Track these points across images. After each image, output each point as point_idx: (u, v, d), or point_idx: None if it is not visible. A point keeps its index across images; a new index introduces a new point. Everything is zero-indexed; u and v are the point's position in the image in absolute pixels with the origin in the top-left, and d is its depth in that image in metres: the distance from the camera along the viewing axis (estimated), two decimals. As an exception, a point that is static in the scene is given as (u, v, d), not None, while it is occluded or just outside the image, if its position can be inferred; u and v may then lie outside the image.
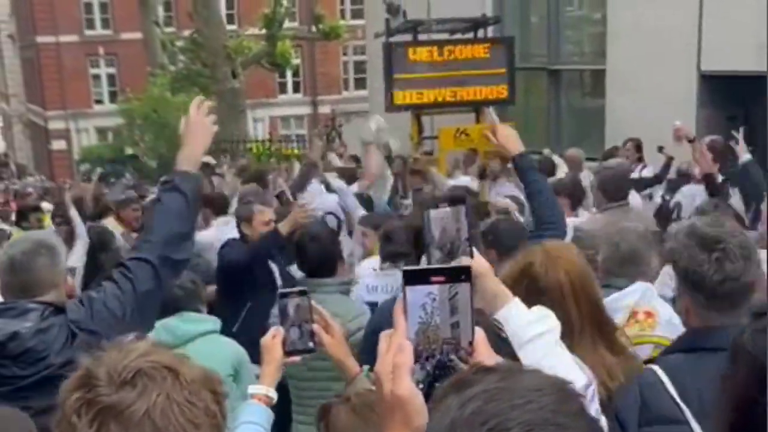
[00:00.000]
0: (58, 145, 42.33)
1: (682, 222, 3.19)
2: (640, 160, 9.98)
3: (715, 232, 2.71)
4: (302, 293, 2.60)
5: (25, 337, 2.99)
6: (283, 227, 5.68)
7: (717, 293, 2.67)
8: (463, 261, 1.98)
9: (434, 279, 1.56)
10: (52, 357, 3.02)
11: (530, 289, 2.71)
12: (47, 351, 3.01)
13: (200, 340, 4.60)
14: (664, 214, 7.54)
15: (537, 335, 2.13)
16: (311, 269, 4.57)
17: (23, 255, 3.19)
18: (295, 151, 26.78)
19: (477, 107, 12.75)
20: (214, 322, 4.76)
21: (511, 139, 4.12)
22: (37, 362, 3.00)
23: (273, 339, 2.64)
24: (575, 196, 6.97)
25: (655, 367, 2.77)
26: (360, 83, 42.05)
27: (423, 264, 2.10)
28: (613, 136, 11.71)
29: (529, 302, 2.25)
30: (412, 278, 1.57)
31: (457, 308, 1.56)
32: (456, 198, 2.09)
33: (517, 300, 2.19)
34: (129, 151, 33.87)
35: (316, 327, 2.61)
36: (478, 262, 2.09)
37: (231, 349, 4.74)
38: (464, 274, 1.57)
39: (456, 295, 1.56)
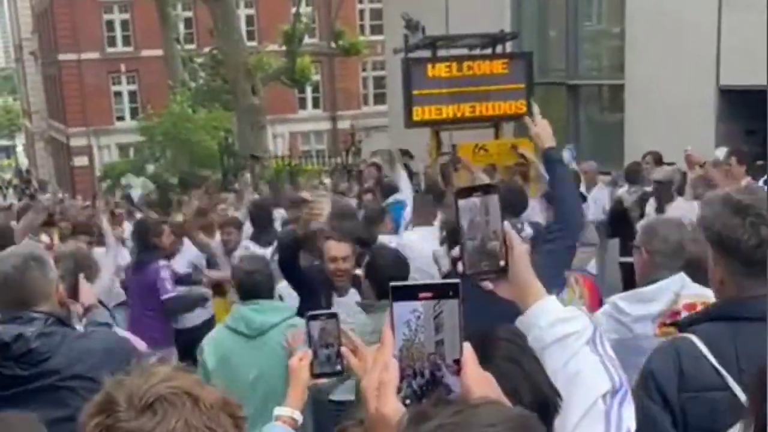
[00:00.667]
0: (79, 161, 42.62)
1: (716, 192, 3.18)
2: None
3: (749, 200, 2.71)
4: (331, 316, 2.59)
5: (29, 339, 3.09)
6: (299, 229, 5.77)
7: (753, 258, 2.66)
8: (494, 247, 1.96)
9: (422, 295, 1.55)
10: (54, 360, 3.12)
11: None
12: (49, 354, 3.13)
13: (275, 330, 4.76)
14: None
15: (564, 335, 2.06)
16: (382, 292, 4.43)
17: (15, 270, 3.25)
18: (315, 167, 26.88)
19: (496, 123, 12.79)
20: (291, 309, 4.99)
21: (546, 131, 4.25)
22: (39, 363, 3.10)
23: (300, 361, 2.64)
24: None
25: (692, 336, 2.76)
26: (379, 98, 42.15)
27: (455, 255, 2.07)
28: (631, 150, 11.72)
29: None
30: (399, 294, 1.56)
31: (442, 325, 1.55)
32: (488, 187, 2.02)
33: (552, 298, 2.12)
34: (150, 167, 34.05)
35: (344, 350, 2.59)
36: (519, 252, 2.03)
37: None
38: (452, 290, 1.55)
39: (441, 312, 1.54)
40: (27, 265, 3.27)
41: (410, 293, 1.56)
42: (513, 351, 1.94)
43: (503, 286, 2.05)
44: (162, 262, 7.85)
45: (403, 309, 1.55)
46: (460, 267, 2.00)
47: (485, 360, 1.63)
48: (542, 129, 4.24)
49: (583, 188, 9.51)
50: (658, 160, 10.09)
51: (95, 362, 3.15)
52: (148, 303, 7.63)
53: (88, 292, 4.07)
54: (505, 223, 2.00)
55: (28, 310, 3.20)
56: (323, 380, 2.66)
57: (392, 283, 1.59)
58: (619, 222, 9.22)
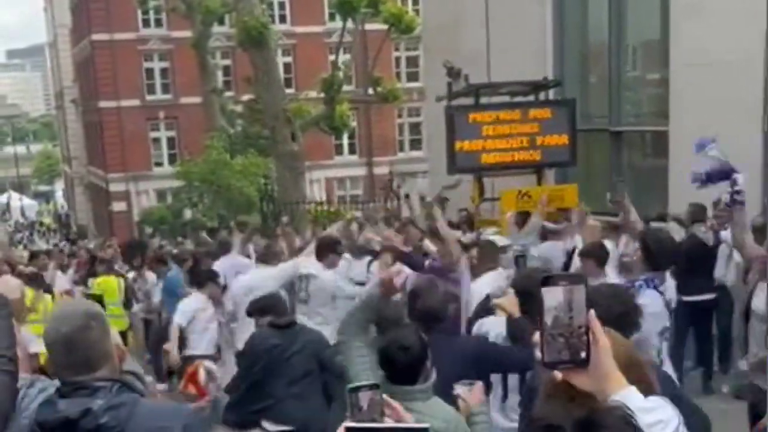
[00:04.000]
0: (118, 206, 43.09)
1: None
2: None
3: None
4: (373, 387, 2.50)
5: (98, 414, 2.92)
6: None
7: None
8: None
9: None
10: None
11: None
12: (119, 428, 2.95)
13: None
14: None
15: (649, 425, 2.04)
16: (395, 378, 4.34)
17: (78, 331, 3.03)
18: (352, 212, 26.90)
19: (538, 169, 12.78)
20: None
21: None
22: None
23: None
24: (600, 257, 7.88)
25: None
26: (415, 144, 42.43)
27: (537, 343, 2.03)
28: (676, 196, 11.64)
29: None
30: None
31: None
32: (575, 275, 1.99)
33: (633, 388, 2.09)
34: (188, 212, 34.32)
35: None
36: (601, 341, 2.01)
37: None
38: None
39: None
40: (88, 324, 3.07)
41: None
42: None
43: (580, 377, 2.02)
44: None
45: None
46: (538, 354, 1.99)
47: None
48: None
49: None
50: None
51: None
52: None
53: None
54: (591, 313, 1.98)
55: (89, 373, 3.01)
56: None
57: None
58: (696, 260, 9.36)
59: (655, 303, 5.62)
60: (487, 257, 8.15)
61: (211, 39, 34.54)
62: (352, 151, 44.84)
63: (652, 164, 14.21)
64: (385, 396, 2.52)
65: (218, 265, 11.36)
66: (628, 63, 14.51)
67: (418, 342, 4.30)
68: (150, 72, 42.92)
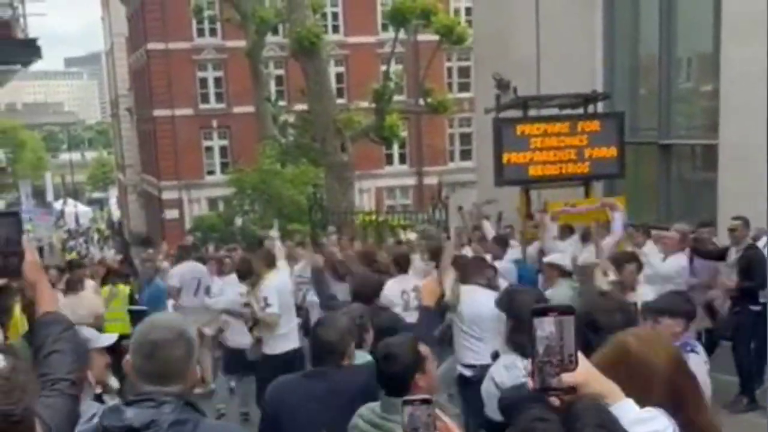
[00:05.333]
0: (170, 214, 43.51)
1: None
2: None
3: None
4: (425, 402, 2.52)
5: (162, 426, 2.95)
6: None
7: None
8: (563, 378, 2.01)
9: None
10: None
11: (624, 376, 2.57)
12: None
13: None
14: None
15: None
16: (388, 389, 4.21)
17: (165, 343, 3.10)
18: (401, 222, 27.00)
19: (586, 182, 12.79)
20: (363, 357, 4.92)
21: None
22: None
23: None
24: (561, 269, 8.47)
25: None
26: (465, 154, 42.42)
27: (527, 367, 2.12)
28: (724, 211, 11.60)
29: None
30: None
31: None
32: (565, 307, 2.05)
33: (629, 400, 2.19)
34: (239, 220, 34.64)
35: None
36: (581, 373, 2.08)
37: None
38: None
39: None
40: (178, 341, 3.13)
41: None
42: None
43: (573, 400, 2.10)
44: None
45: None
46: (530, 383, 2.08)
47: None
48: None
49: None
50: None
51: None
52: None
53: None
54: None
55: (162, 386, 3.06)
56: None
57: None
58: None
59: (700, 370, 4.73)
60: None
61: (265, 49, 34.89)
62: (402, 161, 44.93)
63: (701, 177, 14.14)
64: (437, 410, 2.54)
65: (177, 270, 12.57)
66: (678, 76, 14.45)
67: (409, 352, 4.15)
68: (204, 81, 43.40)
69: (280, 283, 9.53)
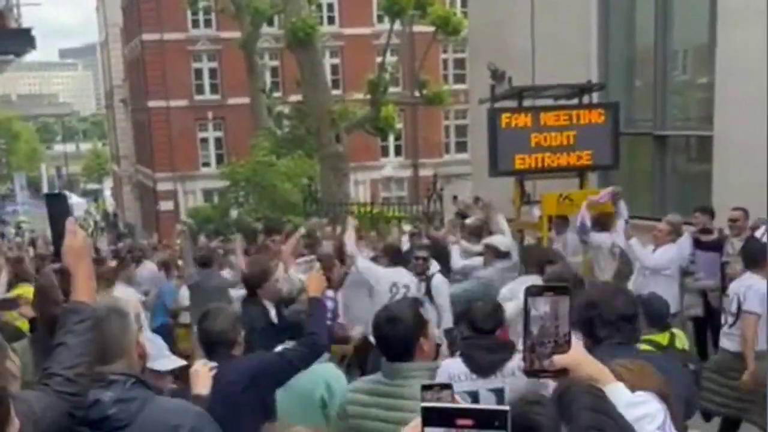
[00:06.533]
0: (165, 205, 43.49)
1: None
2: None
3: None
4: (445, 387, 2.55)
5: (107, 405, 2.96)
6: None
7: None
8: (555, 359, 2.00)
9: (461, 422, 1.49)
10: (131, 430, 2.97)
11: None
12: (126, 422, 2.98)
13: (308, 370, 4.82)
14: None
15: (636, 419, 2.11)
16: (389, 354, 4.14)
17: (97, 321, 3.06)
18: (396, 214, 26.98)
19: (581, 172, 12.74)
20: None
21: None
22: (114, 431, 2.97)
23: (412, 430, 2.55)
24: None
25: None
26: (461, 146, 42.39)
27: (519, 347, 2.09)
28: (719, 202, 11.56)
29: None
30: (433, 418, 1.51)
31: None
32: (560, 287, 2.02)
33: (620, 384, 2.19)
34: (234, 212, 34.60)
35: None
36: (573, 355, 2.07)
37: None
38: (499, 421, 1.48)
39: None
40: (108, 318, 3.14)
41: (447, 418, 1.52)
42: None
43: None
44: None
45: None
46: (521, 363, 2.07)
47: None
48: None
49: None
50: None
51: None
52: None
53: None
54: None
55: (104, 365, 3.05)
56: None
57: (424, 404, 1.59)
58: None
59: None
60: None
61: (260, 40, 34.84)
62: (398, 153, 44.90)
63: (696, 169, 14.11)
64: (456, 396, 2.44)
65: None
66: (674, 67, 14.40)
67: (411, 315, 4.06)
68: (199, 72, 43.34)
69: None
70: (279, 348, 5.09)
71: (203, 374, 4.02)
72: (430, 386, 2.43)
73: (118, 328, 3.16)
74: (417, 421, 2.33)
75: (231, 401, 4.20)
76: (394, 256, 9.59)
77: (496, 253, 9.64)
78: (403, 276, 9.12)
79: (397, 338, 4.02)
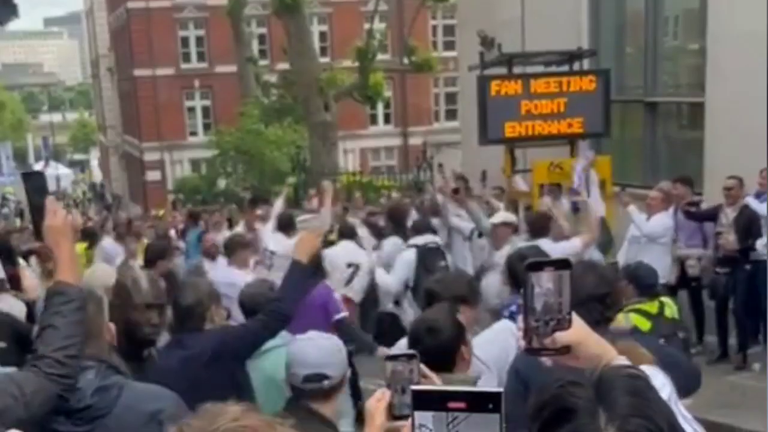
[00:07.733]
0: (152, 176, 43.30)
1: None
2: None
3: None
4: (411, 357, 2.42)
5: (86, 393, 2.92)
6: None
7: None
8: (557, 337, 1.93)
9: (452, 405, 1.47)
10: (110, 418, 2.94)
11: None
12: (107, 410, 2.95)
13: (273, 352, 4.82)
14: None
15: None
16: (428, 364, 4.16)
17: None
18: (386, 182, 26.92)
19: (571, 140, 12.65)
20: (283, 337, 4.82)
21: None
22: (95, 420, 2.93)
23: (378, 402, 2.42)
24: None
25: None
26: (450, 114, 42.19)
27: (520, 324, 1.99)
28: (711, 169, 11.49)
29: None
30: (423, 401, 1.48)
31: None
32: (562, 261, 1.94)
33: (622, 358, 2.09)
34: (222, 182, 34.47)
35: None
36: (574, 332, 1.98)
37: None
38: (492, 403, 1.46)
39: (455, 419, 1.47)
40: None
41: (439, 401, 1.49)
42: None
43: (570, 360, 2.00)
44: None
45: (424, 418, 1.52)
46: (522, 342, 1.97)
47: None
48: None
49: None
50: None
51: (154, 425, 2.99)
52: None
53: None
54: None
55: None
56: (401, 422, 2.52)
57: (414, 387, 1.60)
58: None
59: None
60: None
61: (247, 7, 34.54)
62: (387, 121, 44.68)
63: (688, 136, 14.02)
64: (422, 366, 2.45)
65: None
66: (665, 33, 14.28)
67: (450, 323, 3.89)
68: (185, 40, 42.98)
69: None
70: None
71: (308, 240, 4.31)
72: (396, 356, 2.38)
73: (93, 311, 3.10)
74: (382, 390, 2.29)
75: (194, 376, 4.12)
76: (347, 233, 9.59)
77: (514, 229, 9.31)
78: (358, 254, 9.17)
79: (438, 349, 3.77)
